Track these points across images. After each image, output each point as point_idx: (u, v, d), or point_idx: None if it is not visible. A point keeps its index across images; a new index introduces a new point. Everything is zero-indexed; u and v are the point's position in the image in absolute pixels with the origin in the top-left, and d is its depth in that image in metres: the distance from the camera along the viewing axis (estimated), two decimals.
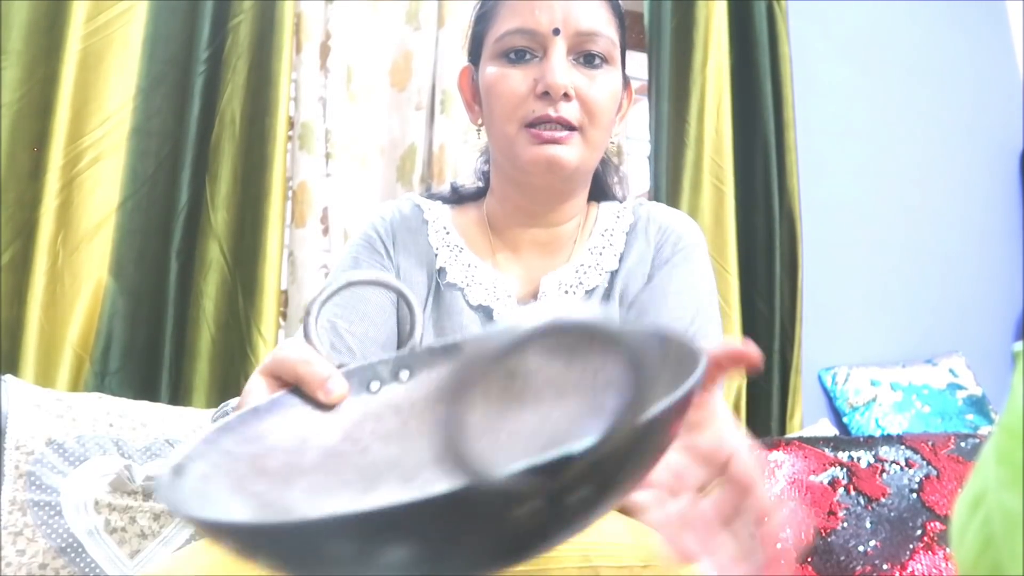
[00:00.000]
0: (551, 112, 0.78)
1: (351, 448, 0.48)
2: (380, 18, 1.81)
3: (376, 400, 0.50)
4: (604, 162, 0.93)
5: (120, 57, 1.57)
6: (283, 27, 1.65)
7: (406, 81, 1.79)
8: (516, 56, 0.80)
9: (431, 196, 0.95)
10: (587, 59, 0.80)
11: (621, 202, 0.94)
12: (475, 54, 0.87)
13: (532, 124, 0.79)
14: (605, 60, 0.81)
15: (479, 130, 0.88)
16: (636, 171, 2.14)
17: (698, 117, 1.96)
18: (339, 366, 0.50)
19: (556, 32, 0.78)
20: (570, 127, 0.79)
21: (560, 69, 0.78)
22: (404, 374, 0.51)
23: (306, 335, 0.50)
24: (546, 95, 0.78)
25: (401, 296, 0.53)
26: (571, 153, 0.79)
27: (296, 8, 1.70)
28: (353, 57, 1.76)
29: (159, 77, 1.61)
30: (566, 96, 0.78)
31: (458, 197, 0.95)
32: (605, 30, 0.81)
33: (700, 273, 0.85)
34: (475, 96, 0.88)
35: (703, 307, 0.82)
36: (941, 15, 2.35)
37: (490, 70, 0.82)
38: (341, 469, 0.46)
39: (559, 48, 0.78)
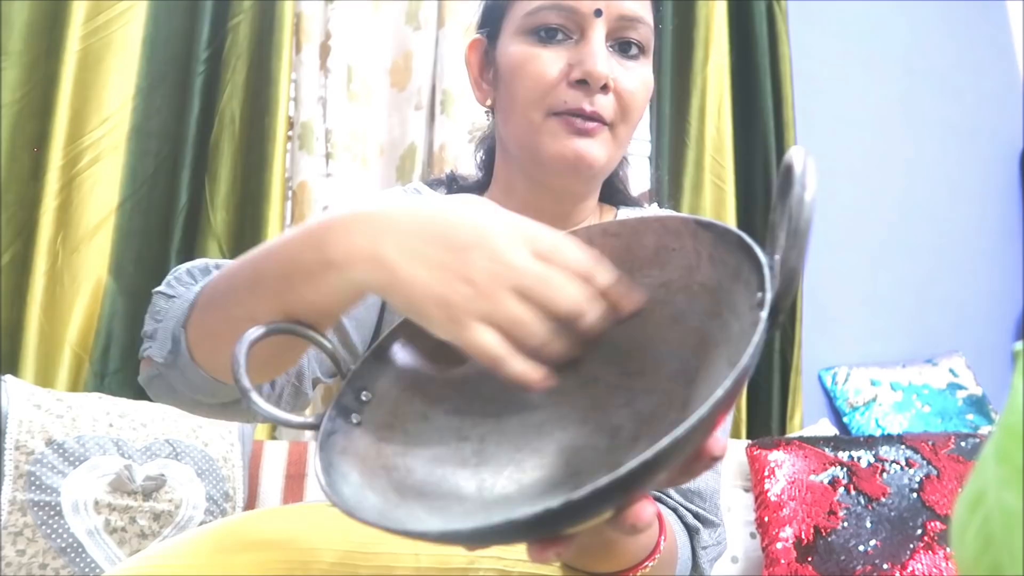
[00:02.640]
0: (586, 105, 0.68)
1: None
2: (380, 18, 1.81)
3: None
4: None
5: (120, 57, 1.57)
6: (283, 27, 1.65)
7: (406, 81, 1.79)
8: (547, 35, 0.70)
9: (432, 184, 0.86)
10: (623, 47, 0.71)
11: (643, 207, 0.86)
12: (492, 27, 0.76)
13: (560, 115, 0.70)
14: (642, 51, 0.72)
15: (487, 112, 0.79)
16: (636, 171, 2.14)
17: (699, 117, 1.96)
18: (347, 372, 0.49)
19: (598, 13, 0.69)
20: (602, 122, 0.70)
21: (602, 56, 0.68)
22: (365, 395, 0.49)
23: (236, 375, 0.44)
24: (581, 83, 0.68)
25: (329, 354, 0.49)
26: (600, 150, 0.70)
27: (296, 8, 1.70)
28: (353, 57, 1.76)
29: (159, 77, 1.61)
30: (604, 88, 0.69)
31: (457, 190, 0.85)
32: (647, 17, 0.72)
33: None
34: (484, 73, 0.78)
35: None
36: (941, 15, 2.35)
37: (515, 48, 0.71)
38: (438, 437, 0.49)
39: (599, 32, 0.69)
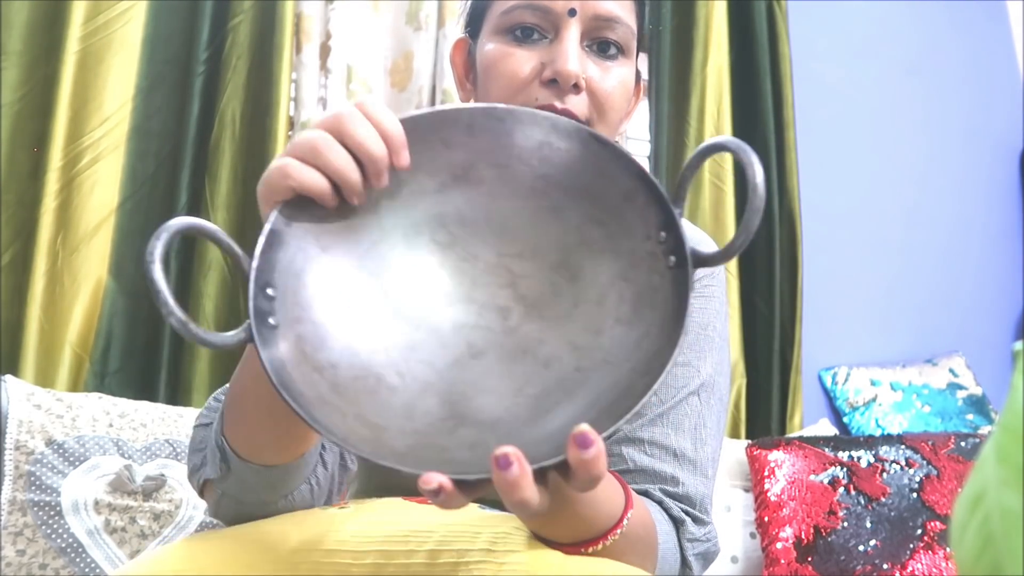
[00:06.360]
0: (557, 103, 0.69)
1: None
2: (380, 18, 1.81)
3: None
4: None
5: (120, 57, 1.57)
6: (283, 27, 1.65)
7: (406, 81, 1.79)
8: (523, 34, 0.71)
9: None
10: (601, 47, 0.72)
11: None
12: (474, 26, 0.77)
13: None
14: (621, 51, 0.73)
15: None
16: None
17: (698, 117, 1.96)
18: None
19: (572, 13, 0.70)
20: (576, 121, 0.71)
21: (573, 56, 0.69)
22: (271, 291, 0.49)
23: (148, 269, 0.43)
24: (553, 83, 0.69)
25: (230, 253, 0.50)
26: None
27: (296, 8, 1.70)
28: (353, 57, 1.76)
29: (159, 77, 1.61)
30: (575, 87, 0.69)
31: None
32: (626, 17, 0.72)
33: (713, 311, 0.77)
34: (468, 73, 0.79)
35: (706, 349, 0.75)
36: (941, 15, 2.35)
37: (490, 47, 0.73)
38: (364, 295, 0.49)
39: (573, 32, 0.70)
